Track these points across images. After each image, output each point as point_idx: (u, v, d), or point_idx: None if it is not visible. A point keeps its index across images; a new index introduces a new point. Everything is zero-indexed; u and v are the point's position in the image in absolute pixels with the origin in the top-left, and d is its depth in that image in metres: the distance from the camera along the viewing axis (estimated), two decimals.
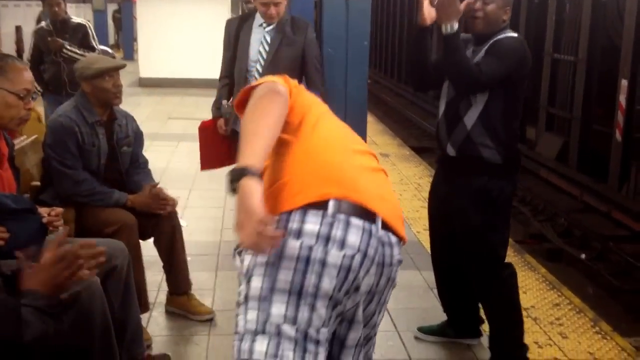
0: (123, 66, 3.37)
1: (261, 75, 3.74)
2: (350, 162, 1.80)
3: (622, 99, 8.01)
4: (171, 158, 7.30)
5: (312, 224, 1.66)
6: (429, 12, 2.77)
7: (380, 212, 1.74)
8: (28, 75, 2.63)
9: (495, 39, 2.78)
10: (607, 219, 7.44)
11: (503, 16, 2.81)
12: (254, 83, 1.85)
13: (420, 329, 3.38)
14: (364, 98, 4.01)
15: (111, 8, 22.66)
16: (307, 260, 1.64)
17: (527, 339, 3.11)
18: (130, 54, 18.61)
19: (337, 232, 1.66)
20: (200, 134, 4.24)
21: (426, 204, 3.23)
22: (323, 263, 1.65)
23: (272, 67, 3.70)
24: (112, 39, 23.27)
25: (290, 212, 1.68)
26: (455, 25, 2.67)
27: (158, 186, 3.43)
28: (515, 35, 2.85)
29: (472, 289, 3.05)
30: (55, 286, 1.90)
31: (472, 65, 2.71)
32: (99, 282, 2.50)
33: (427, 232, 4.50)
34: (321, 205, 1.68)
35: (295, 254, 1.64)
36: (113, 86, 3.26)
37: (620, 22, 8.29)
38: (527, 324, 3.54)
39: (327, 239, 1.65)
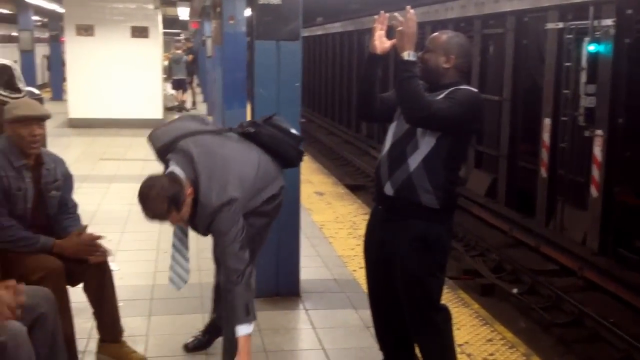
0: (42, 117, 3.23)
1: None
2: None
3: (546, 137, 8.35)
4: (102, 200, 7.13)
5: None
6: (380, 42, 2.85)
7: None
8: None
9: (454, 87, 2.82)
10: (536, 254, 7.66)
11: (443, 64, 2.84)
12: None
13: None
14: None
15: (40, 48, 22.22)
16: None
17: None
18: (59, 94, 18.24)
19: None
20: None
21: (361, 242, 3.23)
22: None
23: None
24: (46, 78, 22.78)
25: None
26: (415, 56, 2.73)
27: (88, 232, 3.33)
28: (475, 90, 2.91)
29: (408, 329, 3.06)
30: None
31: (425, 98, 2.73)
32: (25, 331, 2.41)
33: (363, 271, 4.50)
34: None
35: None
36: (29, 135, 3.15)
37: (541, 63, 8.68)
38: None
39: None
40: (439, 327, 2.94)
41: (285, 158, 3.32)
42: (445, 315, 2.97)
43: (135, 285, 4.55)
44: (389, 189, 2.87)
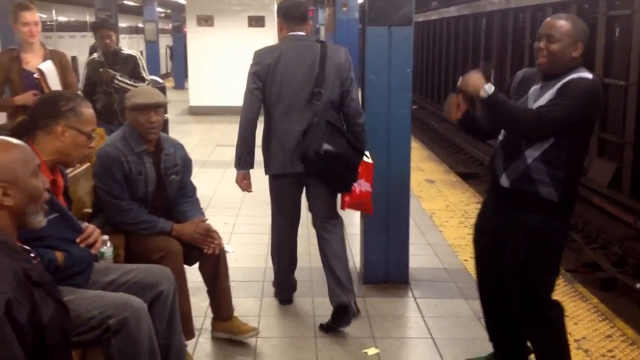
0: (157, 104, 3.35)
1: None
2: None
3: None
4: (218, 185, 7.39)
5: None
6: (455, 111, 2.84)
7: None
8: (93, 114, 2.72)
9: (567, 79, 2.66)
10: None
11: (572, 53, 2.68)
12: None
13: None
14: (408, 125, 3.98)
15: (164, 39, 23.25)
16: None
17: None
18: (181, 83, 19.03)
19: None
20: None
21: (473, 232, 3.16)
22: None
23: None
24: (169, 68, 23.87)
25: None
26: (491, 87, 2.66)
27: (206, 222, 3.45)
28: (590, 76, 2.70)
29: (518, 322, 2.97)
30: None
31: (527, 114, 2.64)
32: (146, 307, 2.54)
33: (474, 261, 4.41)
34: None
35: None
36: (146, 122, 3.31)
37: None
38: (578, 356, 3.45)
39: None
40: (553, 321, 2.83)
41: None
42: (558, 311, 2.85)
43: (249, 267, 4.70)
44: (504, 181, 2.79)
